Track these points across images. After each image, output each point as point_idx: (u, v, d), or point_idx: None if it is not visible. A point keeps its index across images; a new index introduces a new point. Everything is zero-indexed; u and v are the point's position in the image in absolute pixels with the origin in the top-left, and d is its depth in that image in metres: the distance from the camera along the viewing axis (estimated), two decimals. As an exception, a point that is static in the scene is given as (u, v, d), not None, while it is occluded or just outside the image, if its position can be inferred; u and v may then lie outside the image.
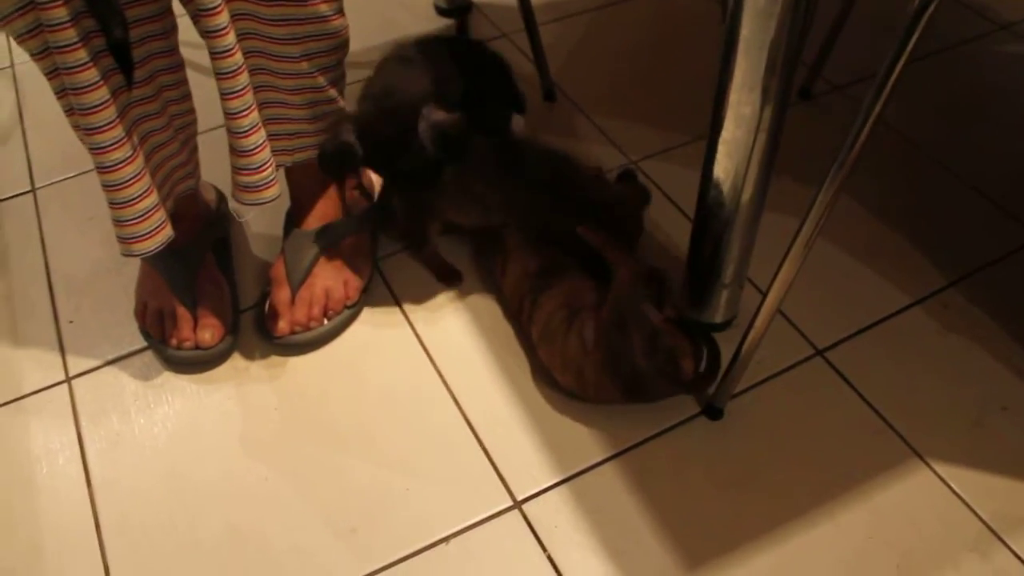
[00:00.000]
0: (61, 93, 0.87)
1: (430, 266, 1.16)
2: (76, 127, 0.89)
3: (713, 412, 0.99)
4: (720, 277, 1.02)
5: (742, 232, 0.97)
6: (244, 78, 0.88)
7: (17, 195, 1.32)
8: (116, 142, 0.87)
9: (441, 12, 1.61)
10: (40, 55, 0.85)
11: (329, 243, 1.10)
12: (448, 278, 1.15)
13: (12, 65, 1.59)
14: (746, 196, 0.92)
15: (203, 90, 0.92)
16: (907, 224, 1.20)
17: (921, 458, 0.95)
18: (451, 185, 1.05)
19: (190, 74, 1.01)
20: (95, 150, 0.87)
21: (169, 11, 0.93)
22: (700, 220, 0.99)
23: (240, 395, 1.04)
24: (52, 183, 1.33)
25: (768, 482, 0.94)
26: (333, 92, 1.00)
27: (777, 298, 0.89)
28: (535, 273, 1.04)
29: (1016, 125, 1.37)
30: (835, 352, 1.06)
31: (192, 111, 1.02)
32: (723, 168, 0.91)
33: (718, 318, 1.07)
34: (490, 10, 1.61)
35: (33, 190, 1.33)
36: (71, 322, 1.13)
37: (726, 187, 0.92)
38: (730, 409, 1.00)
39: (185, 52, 0.99)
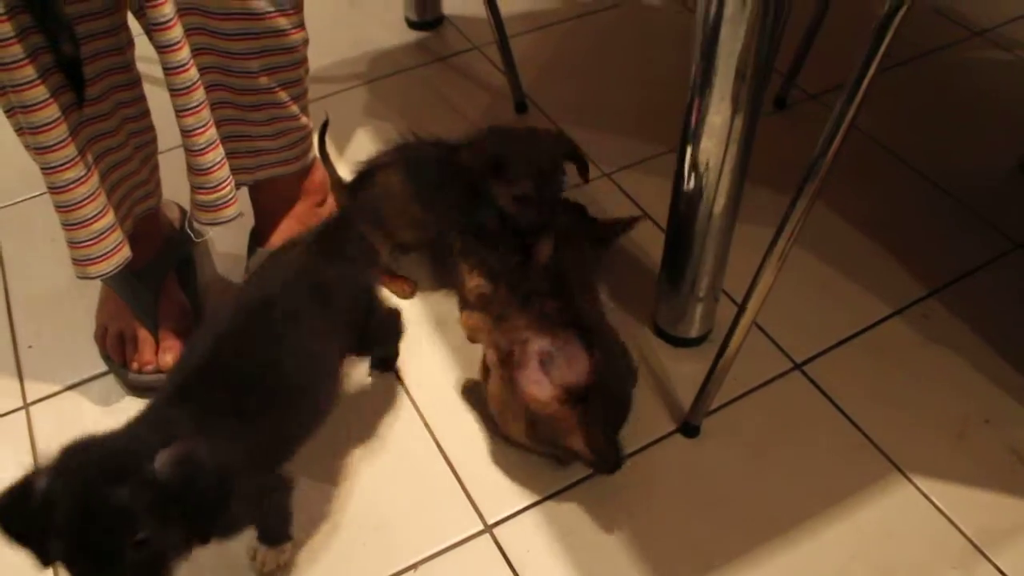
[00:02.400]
0: (10, 111, 0.85)
1: (384, 283, 1.14)
2: (27, 146, 0.86)
3: (689, 430, 0.97)
4: (694, 290, 1.00)
5: (715, 244, 0.95)
6: (199, 94, 0.85)
7: (-24, 217, 1.29)
8: (68, 161, 0.84)
9: (412, 25, 1.59)
10: (-13, 72, 0.82)
11: (295, 262, 1.07)
12: (401, 287, 1.13)
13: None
14: (719, 207, 0.90)
15: (165, 108, 0.90)
16: (885, 233, 1.19)
17: (903, 473, 0.93)
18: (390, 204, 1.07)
19: (150, 91, 0.98)
20: (46, 170, 0.84)
21: (124, 27, 0.90)
22: (672, 233, 0.97)
23: (204, 420, 1.01)
24: (12, 203, 1.30)
25: (747, 501, 0.92)
26: (295, 108, 0.97)
27: (753, 311, 0.87)
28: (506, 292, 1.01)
29: (993, 132, 1.36)
30: (813, 365, 1.04)
31: (151, 128, 0.99)
32: (695, 179, 0.89)
33: (693, 332, 1.04)
34: (461, 23, 1.59)
35: (-7, 212, 1.30)
36: (30, 347, 1.10)
37: (698, 199, 0.90)
38: (707, 426, 0.97)
39: (144, 68, 0.96)
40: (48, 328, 1.12)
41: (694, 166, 0.88)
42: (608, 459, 0.88)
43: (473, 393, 1.01)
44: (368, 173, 1.12)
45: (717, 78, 0.80)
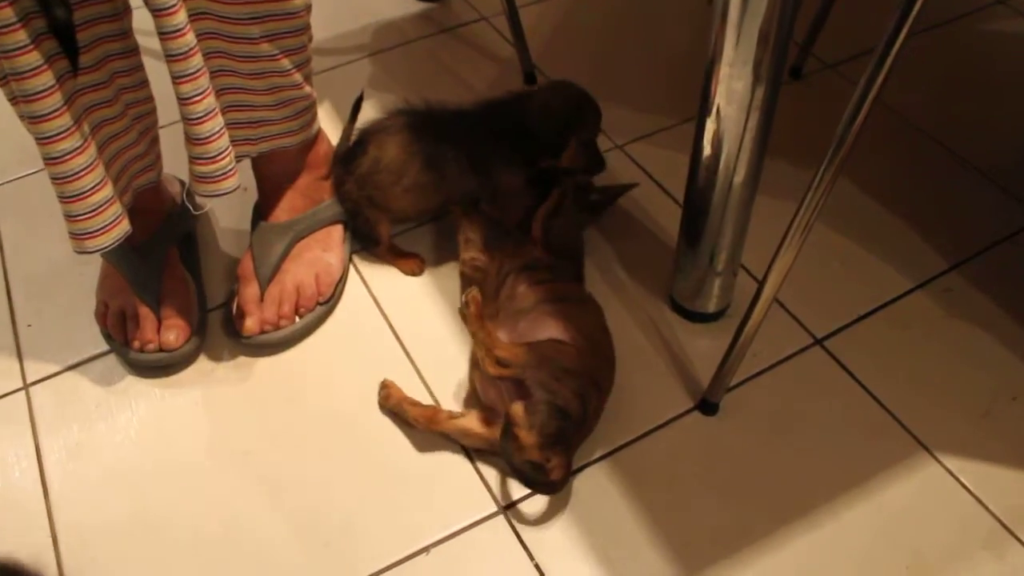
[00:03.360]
0: (3, 80, 0.81)
1: (390, 260, 1.11)
2: (22, 116, 0.83)
3: (707, 407, 0.94)
4: (712, 264, 0.96)
5: (735, 216, 0.91)
6: (197, 60, 0.82)
7: (-26, 193, 1.26)
8: (64, 131, 0.81)
9: (418, -4, 1.55)
10: (-22, 39, 0.79)
11: (299, 236, 1.05)
12: (410, 266, 1.10)
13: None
14: (739, 177, 0.87)
15: (166, 81, 0.87)
16: (906, 205, 1.15)
17: (929, 452, 0.90)
18: (384, 174, 1.03)
19: (151, 64, 0.95)
20: (42, 140, 0.81)
21: (120, -8, 0.87)
22: (690, 205, 0.94)
23: (208, 399, 0.98)
24: (10, 180, 1.27)
25: (768, 481, 0.89)
26: (298, 76, 0.94)
27: (774, 287, 0.84)
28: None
29: (1017, 102, 1.32)
30: (834, 341, 1.01)
31: (150, 99, 0.96)
32: (714, 148, 0.85)
33: (711, 307, 1.01)
34: (468, -7, 1.56)
35: (-9, 188, 1.27)
36: (29, 326, 1.07)
37: (718, 168, 0.86)
38: (725, 403, 0.94)
39: (143, 41, 0.93)
40: (48, 307, 1.09)
41: (714, 135, 0.84)
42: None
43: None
44: (360, 141, 1.07)
45: (740, 42, 0.76)
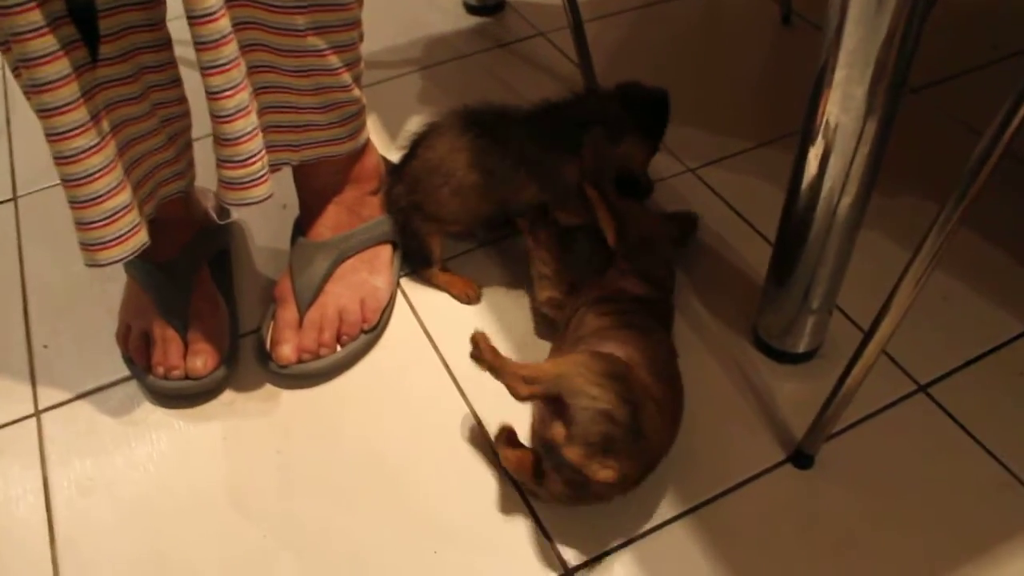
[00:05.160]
0: (16, 70, 0.73)
1: (442, 284, 1.01)
2: (34, 109, 0.74)
3: (802, 459, 0.83)
4: (807, 300, 0.85)
5: (835, 250, 0.81)
6: (230, 50, 0.72)
7: (-4, 204, 1.18)
8: (78, 127, 0.72)
9: (472, 10, 1.47)
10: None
11: (343, 256, 0.95)
12: (464, 291, 1.00)
13: (3, 68, 1.45)
14: (846, 200, 0.76)
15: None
16: (1016, 242, 1.04)
17: (1061, 520, 0.78)
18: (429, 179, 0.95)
19: (188, 74, 0.86)
20: (53, 136, 0.72)
21: (150, -22, 0.78)
22: (787, 232, 0.83)
23: (236, 434, 0.88)
24: (35, 191, 1.19)
25: (872, 545, 0.77)
26: (347, 77, 0.85)
27: (884, 337, 0.73)
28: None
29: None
30: (940, 387, 0.89)
31: (183, 100, 0.87)
32: (822, 164, 0.75)
33: (801, 347, 0.90)
34: (525, 8, 1.47)
35: (15, 198, 1.18)
36: (45, 346, 0.98)
37: (824, 188, 0.76)
38: (822, 455, 0.83)
39: (180, 52, 0.84)
40: (66, 326, 1.00)
41: (823, 149, 0.74)
42: None
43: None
44: (412, 145, 0.99)
45: (861, 39, 0.66)
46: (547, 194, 0.95)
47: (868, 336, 0.74)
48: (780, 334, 0.90)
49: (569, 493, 0.75)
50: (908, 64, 0.68)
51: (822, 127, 0.73)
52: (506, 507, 0.81)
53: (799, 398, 0.88)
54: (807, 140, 0.75)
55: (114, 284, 1.01)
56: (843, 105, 0.70)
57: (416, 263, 1.02)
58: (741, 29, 1.41)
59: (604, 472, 0.71)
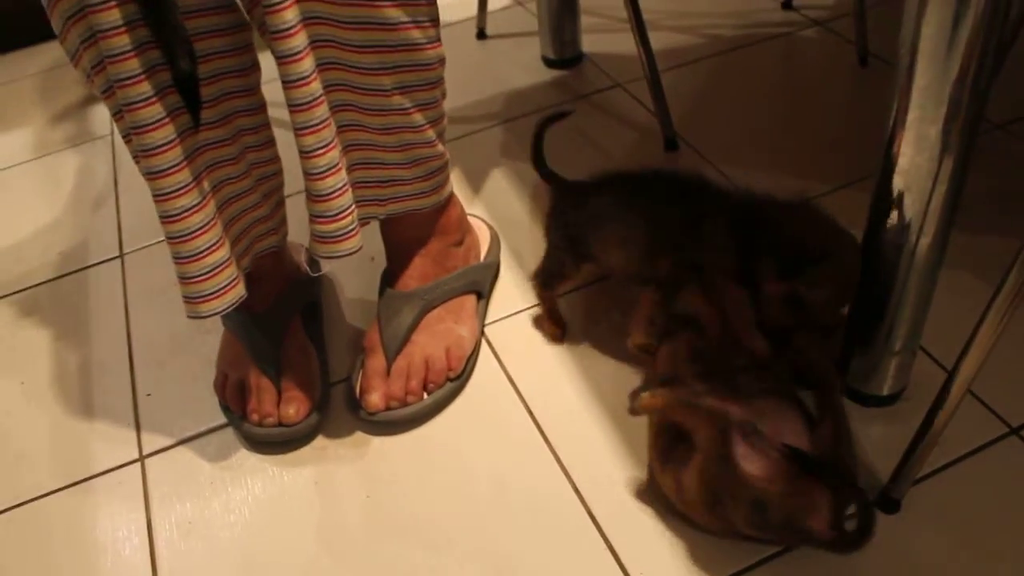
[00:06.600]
0: (127, 136, 0.78)
1: (544, 312, 1.03)
2: (142, 173, 0.79)
3: (888, 504, 0.81)
4: (889, 342, 0.85)
5: (918, 286, 0.80)
6: (321, 111, 0.77)
7: (105, 260, 1.25)
8: (181, 187, 0.77)
9: (550, 64, 1.50)
10: (106, 92, 0.76)
11: (429, 306, 0.98)
12: (554, 328, 1.02)
13: (112, 133, 1.55)
14: (925, 240, 0.76)
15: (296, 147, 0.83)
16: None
17: None
18: (604, 220, 0.93)
19: (281, 134, 0.91)
20: (158, 196, 0.77)
21: (249, 47, 0.84)
22: (867, 273, 0.83)
23: (326, 480, 0.91)
24: (140, 248, 1.26)
25: (965, 595, 0.76)
26: (431, 133, 0.88)
27: (968, 376, 0.72)
28: (687, 358, 0.84)
29: None
30: (1034, 431, 0.87)
31: (276, 160, 0.92)
32: (898, 204, 0.75)
33: (885, 390, 0.89)
34: (601, 60, 1.50)
35: (121, 255, 1.26)
36: (149, 395, 1.03)
37: (901, 228, 0.76)
38: (909, 500, 0.81)
39: (274, 113, 0.89)
40: (169, 376, 1.05)
41: (899, 189, 0.74)
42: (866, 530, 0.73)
43: (630, 456, 0.89)
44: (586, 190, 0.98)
45: (933, 77, 0.67)
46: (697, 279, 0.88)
47: (951, 377, 0.73)
48: (863, 377, 0.89)
49: (751, 534, 0.76)
50: (982, 102, 0.68)
51: (897, 168, 0.73)
52: (591, 557, 0.82)
53: (884, 442, 0.86)
54: (883, 181, 0.75)
55: (212, 336, 1.06)
56: (917, 146, 0.70)
57: (541, 278, 1.01)
58: (818, 73, 1.41)
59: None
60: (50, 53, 1.85)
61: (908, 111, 0.69)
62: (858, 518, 0.73)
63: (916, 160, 0.71)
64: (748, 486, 0.73)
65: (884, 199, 0.76)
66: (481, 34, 1.62)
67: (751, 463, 0.73)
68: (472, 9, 1.65)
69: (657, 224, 0.90)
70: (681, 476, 0.78)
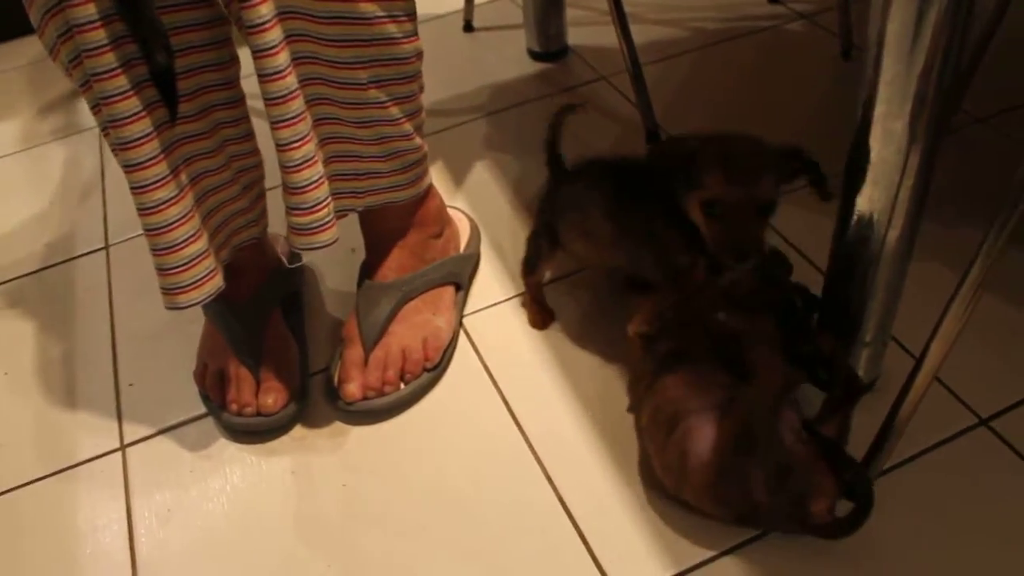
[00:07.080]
0: (105, 129, 0.79)
1: (528, 301, 1.04)
2: (121, 165, 0.80)
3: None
4: (859, 334, 0.86)
5: (887, 278, 0.81)
6: (297, 105, 0.77)
7: (90, 252, 1.26)
8: (158, 180, 0.78)
9: (536, 57, 1.51)
10: (84, 86, 0.77)
11: (407, 297, 0.99)
12: (539, 319, 1.03)
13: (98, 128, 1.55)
14: (894, 233, 0.77)
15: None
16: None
17: None
18: (569, 210, 0.94)
19: (260, 125, 0.91)
20: (136, 189, 0.78)
21: (227, 42, 0.84)
22: (836, 266, 0.84)
23: (304, 469, 0.92)
24: (125, 240, 1.26)
25: (931, 583, 0.77)
26: (408, 126, 0.89)
27: (935, 363, 0.73)
28: (663, 352, 0.86)
29: None
30: (1003, 421, 0.88)
31: (255, 153, 0.92)
32: (867, 198, 0.76)
33: (857, 381, 0.90)
34: (586, 53, 1.51)
35: (107, 247, 1.26)
36: (131, 385, 1.04)
37: (870, 222, 0.77)
38: (877, 488, 0.82)
39: (252, 104, 0.90)
40: (151, 366, 1.06)
41: (867, 183, 0.75)
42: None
43: (605, 446, 0.90)
44: (579, 172, 0.98)
45: (898, 73, 0.67)
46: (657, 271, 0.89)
47: (917, 365, 0.74)
48: (835, 368, 0.90)
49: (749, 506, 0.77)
50: (950, 97, 0.69)
51: (865, 161, 0.74)
52: (565, 545, 0.83)
53: (855, 431, 0.87)
54: (851, 174, 0.76)
55: (195, 326, 1.06)
56: (884, 140, 0.71)
57: (523, 266, 1.02)
58: (801, 65, 1.42)
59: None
60: (38, 45, 1.84)
61: (875, 105, 0.70)
62: (856, 508, 0.76)
63: (883, 154, 0.72)
64: (782, 446, 0.76)
65: (852, 192, 0.77)
66: (468, 27, 1.63)
67: (785, 428, 0.77)
68: (459, 2, 1.65)
69: (617, 214, 0.90)
70: (688, 441, 0.78)
